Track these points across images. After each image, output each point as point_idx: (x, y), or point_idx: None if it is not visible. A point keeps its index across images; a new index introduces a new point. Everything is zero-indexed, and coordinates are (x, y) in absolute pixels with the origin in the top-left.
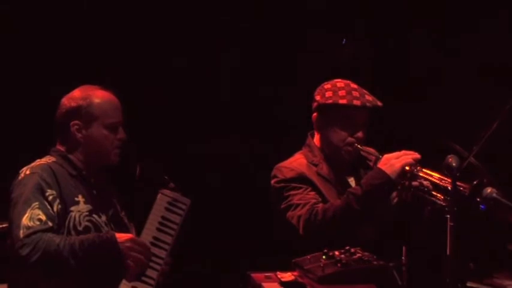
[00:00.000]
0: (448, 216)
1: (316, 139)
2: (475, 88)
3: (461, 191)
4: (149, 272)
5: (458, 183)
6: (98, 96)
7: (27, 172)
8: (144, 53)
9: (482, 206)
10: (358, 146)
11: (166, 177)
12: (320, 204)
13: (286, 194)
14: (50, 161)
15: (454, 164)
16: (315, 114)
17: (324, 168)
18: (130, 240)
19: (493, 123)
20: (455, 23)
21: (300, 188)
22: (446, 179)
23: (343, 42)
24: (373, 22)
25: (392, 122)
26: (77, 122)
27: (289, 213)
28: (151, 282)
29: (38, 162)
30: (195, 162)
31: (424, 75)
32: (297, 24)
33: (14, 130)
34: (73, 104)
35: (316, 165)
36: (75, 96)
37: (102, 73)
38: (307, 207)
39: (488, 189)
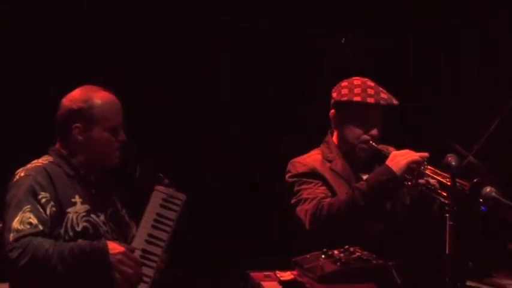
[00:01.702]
0: (447, 215)
1: (335, 136)
2: (475, 88)
3: (461, 189)
4: (145, 270)
5: (458, 181)
6: (99, 98)
7: (22, 174)
8: (144, 53)
9: (483, 208)
10: (373, 143)
11: (160, 174)
12: (327, 199)
13: (297, 188)
14: (46, 162)
15: (453, 163)
16: (332, 111)
17: (338, 165)
18: (122, 253)
19: (493, 123)
20: (455, 22)
21: (311, 182)
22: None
23: (343, 41)
24: (373, 22)
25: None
26: (78, 125)
27: (298, 208)
28: (147, 279)
29: (34, 163)
30: (195, 162)
31: (425, 75)
32: (297, 25)
33: (13, 130)
34: (74, 106)
35: (330, 161)
36: (76, 97)
37: (102, 73)
38: (314, 201)
39: (488, 189)
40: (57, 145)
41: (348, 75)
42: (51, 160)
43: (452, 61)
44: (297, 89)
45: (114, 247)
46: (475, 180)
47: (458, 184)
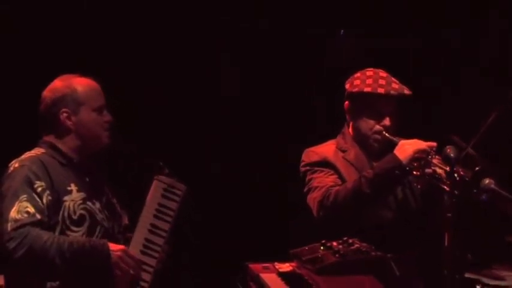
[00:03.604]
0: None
1: (350, 127)
2: (475, 86)
3: (463, 178)
4: (148, 260)
5: (460, 170)
6: (80, 82)
7: (16, 165)
8: (144, 53)
9: (483, 197)
10: (386, 134)
11: (161, 163)
12: (336, 187)
13: (309, 177)
14: (39, 153)
15: (452, 155)
16: (346, 102)
17: (352, 154)
18: (122, 250)
19: (492, 114)
20: (455, 21)
21: (322, 171)
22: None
23: (341, 34)
24: (373, 22)
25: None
26: (65, 110)
27: (308, 196)
28: (150, 269)
29: (27, 154)
30: (194, 158)
31: (424, 73)
32: (297, 25)
33: (9, 128)
34: (58, 93)
35: (344, 151)
36: (57, 86)
37: (102, 73)
38: (323, 190)
39: (486, 181)
40: (45, 138)
41: (347, 75)
42: (44, 151)
43: (452, 60)
44: (297, 89)
45: (114, 245)
46: (476, 169)
47: (461, 173)
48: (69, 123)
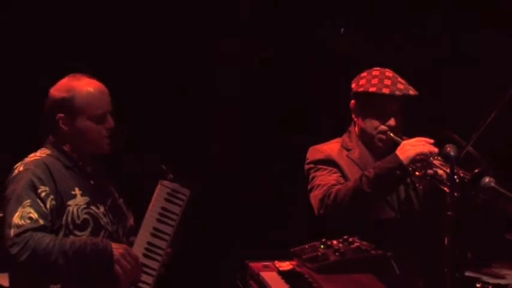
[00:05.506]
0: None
1: (357, 126)
2: (475, 84)
3: (462, 177)
4: (150, 263)
5: (461, 171)
6: (83, 87)
7: (21, 168)
8: (144, 53)
9: (483, 196)
10: (391, 134)
11: (164, 168)
12: (337, 186)
13: (312, 175)
14: (44, 155)
15: (452, 153)
16: (352, 102)
17: (356, 153)
18: (124, 248)
19: (491, 112)
20: (454, 20)
21: (325, 169)
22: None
23: (342, 32)
24: (373, 21)
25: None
26: (61, 115)
27: (311, 194)
28: (153, 272)
29: (32, 157)
30: (196, 155)
31: (424, 70)
32: (297, 24)
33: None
34: (57, 95)
35: (349, 150)
36: (60, 87)
37: (102, 73)
38: (324, 188)
39: (486, 179)
40: (50, 137)
41: (347, 74)
42: (49, 153)
43: (453, 56)
44: (297, 89)
45: (116, 244)
46: (475, 171)
47: (460, 174)
48: (65, 128)
